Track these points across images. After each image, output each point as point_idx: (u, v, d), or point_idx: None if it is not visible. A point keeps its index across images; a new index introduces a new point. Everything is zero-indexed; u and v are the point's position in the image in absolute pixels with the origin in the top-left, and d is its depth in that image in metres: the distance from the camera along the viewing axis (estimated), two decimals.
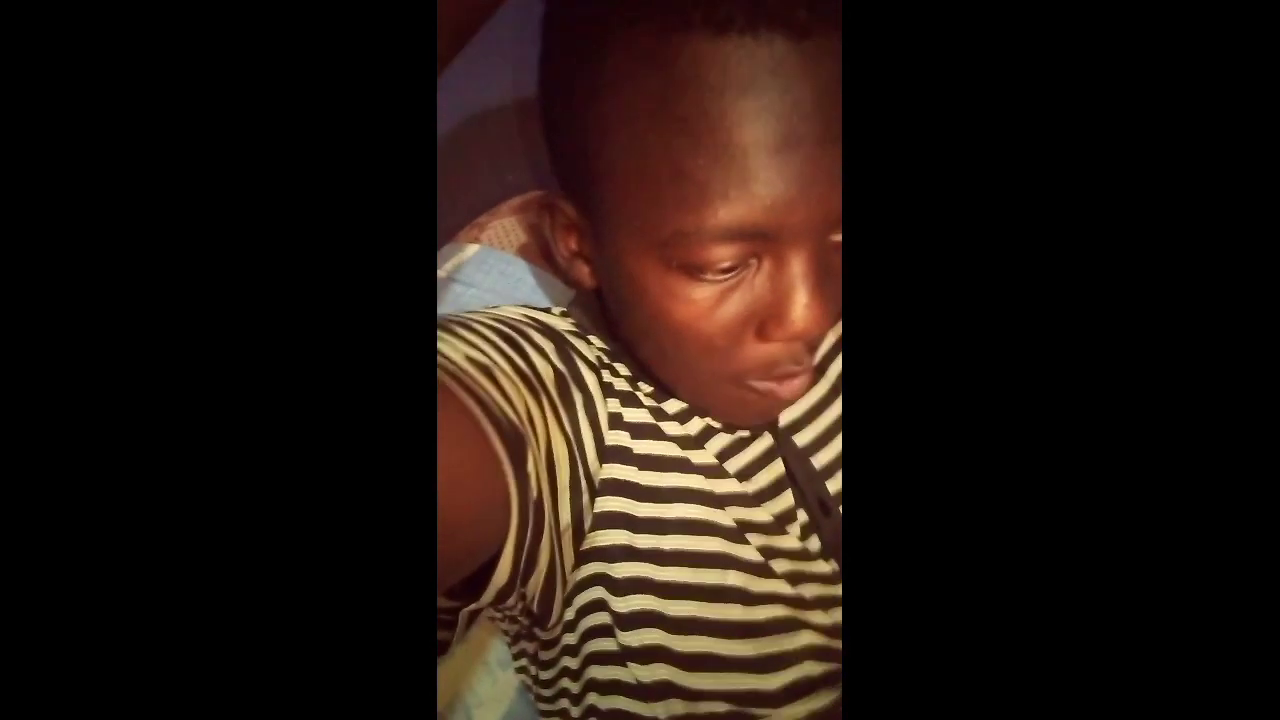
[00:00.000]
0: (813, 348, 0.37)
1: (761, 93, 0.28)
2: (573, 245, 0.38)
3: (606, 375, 0.40)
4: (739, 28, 0.27)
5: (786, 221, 0.30)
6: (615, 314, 0.39)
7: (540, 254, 0.53)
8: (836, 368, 0.45)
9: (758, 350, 0.34)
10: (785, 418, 0.42)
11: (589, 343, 0.42)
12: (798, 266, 0.31)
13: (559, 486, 0.35)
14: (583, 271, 0.39)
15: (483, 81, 0.56)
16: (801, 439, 0.42)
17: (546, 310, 0.43)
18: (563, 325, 0.42)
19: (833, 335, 0.47)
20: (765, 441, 0.41)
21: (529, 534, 0.32)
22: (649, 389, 0.41)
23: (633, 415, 0.39)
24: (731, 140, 0.29)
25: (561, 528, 0.36)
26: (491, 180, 0.63)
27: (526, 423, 0.34)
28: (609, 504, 0.37)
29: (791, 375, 0.36)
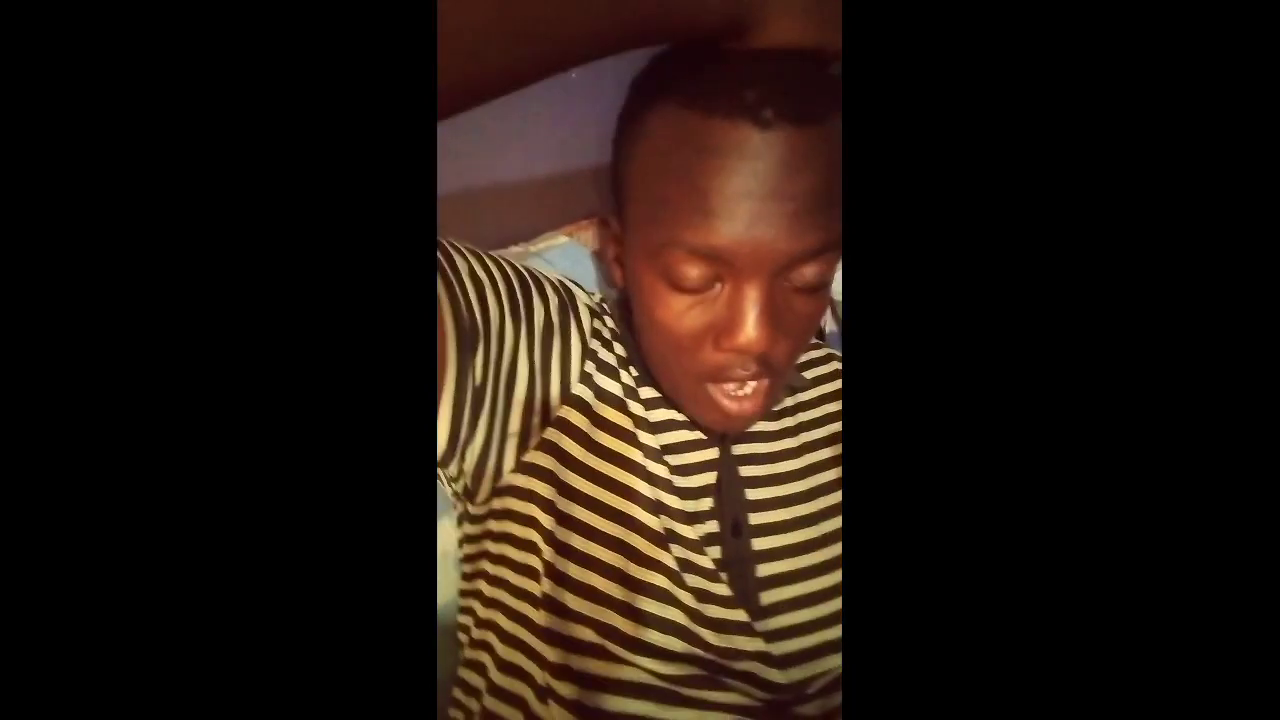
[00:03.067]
0: (770, 370, 0.45)
1: (726, 157, 0.38)
2: (613, 252, 0.51)
3: (597, 345, 0.51)
4: (722, 114, 0.38)
5: (737, 252, 0.40)
6: (631, 311, 0.50)
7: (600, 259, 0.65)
8: (810, 435, 0.53)
9: (714, 356, 0.44)
10: (741, 448, 0.50)
11: (601, 321, 0.52)
12: (750, 294, 0.41)
13: (515, 397, 0.46)
14: (617, 273, 0.51)
15: None
16: (747, 471, 0.50)
17: (583, 289, 0.54)
18: (586, 299, 0.53)
19: (818, 411, 0.55)
20: (712, 452, 0.50)
21: (467, 405, 0.43)
22: (637, 373, 0.50)
23: (606, 384, 0.49)
24: (699, 184, 0.39)
25: (509, 432, 0.46)
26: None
27: (496, 331, 0.44)
28: (553, 436, 0.47)
29: (741, 392, 0.45)
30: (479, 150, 0.72)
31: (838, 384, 0.58)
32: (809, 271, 0.42)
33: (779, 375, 0.47)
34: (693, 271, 0.41)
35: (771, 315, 0.42)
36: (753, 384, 0.46)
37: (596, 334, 0.52)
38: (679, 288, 0.43)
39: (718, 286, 0.43)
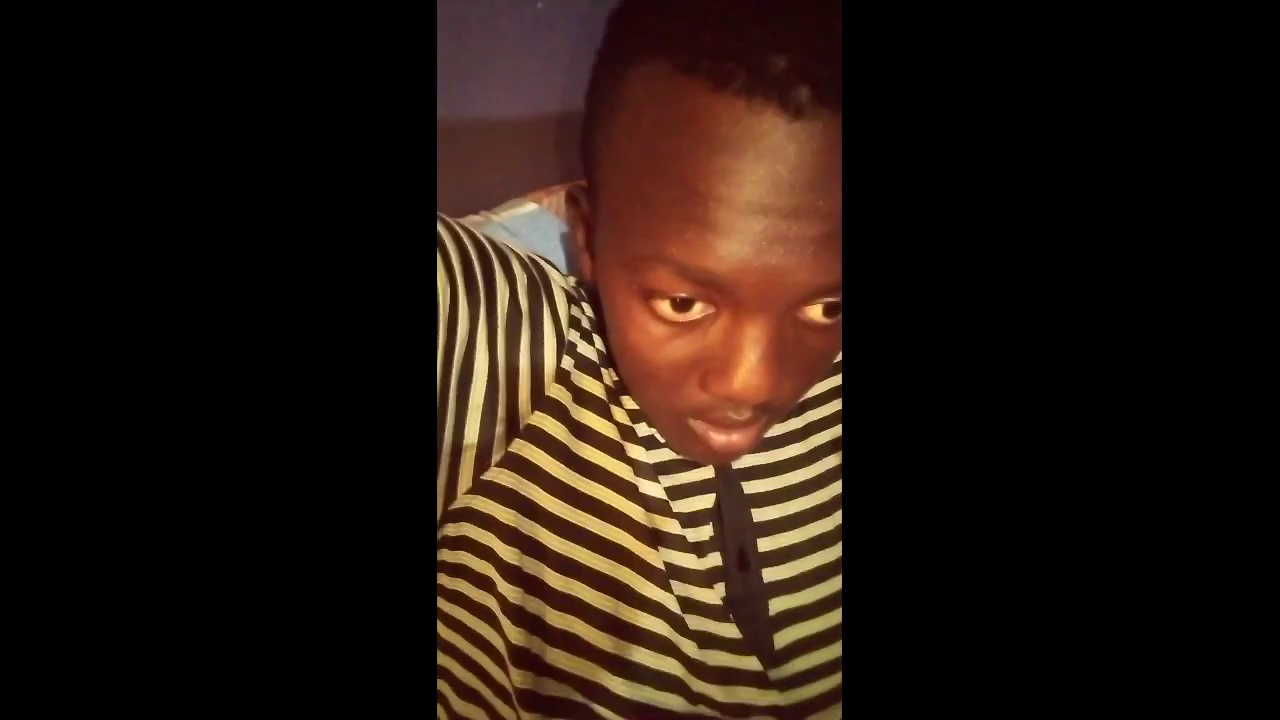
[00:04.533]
0: (770, 412, 0.37)
1: (739, 155, 0.28)
2: (583, 237, 0.41)
3: (575, 337, 0.42)
4: (735, 89, 0.28)
5: (741, 281, 0.30)
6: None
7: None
8: (822, 437, 0.44)
9: (699, 396, 0.35)
10: (744, 462, 0.43)
11: (580, 308, 0.43)
12: (752, 330, 0.32)
13: (471, 400, 0.37)
14: (586, 264, 0.41)
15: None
16: (752, 487, 0.42)
17: (557, 269, 0.45)
18: (562, 281, 0.44)
19: (828, 408, 0.46)
20: (708, 470, 0.42)
21: None
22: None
23: (587, 384, 0.41)
24: (699, 188, 0.29)
25: (464, 443, 0.37)
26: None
27: (446, 315, 0.35)
28: (525, 451, 0.39)
29: (730, 427, 0.36)
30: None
31: None
32: (832, 303, 0.33)
33: (780, 414, 0.39)
34: (679, 295, 0.32)
35: (777, 356, 0.32)
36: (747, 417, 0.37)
37: (575, 323, 0.43)
38: (659, 314, 0.33)
39: (711, 312, 0.33)
